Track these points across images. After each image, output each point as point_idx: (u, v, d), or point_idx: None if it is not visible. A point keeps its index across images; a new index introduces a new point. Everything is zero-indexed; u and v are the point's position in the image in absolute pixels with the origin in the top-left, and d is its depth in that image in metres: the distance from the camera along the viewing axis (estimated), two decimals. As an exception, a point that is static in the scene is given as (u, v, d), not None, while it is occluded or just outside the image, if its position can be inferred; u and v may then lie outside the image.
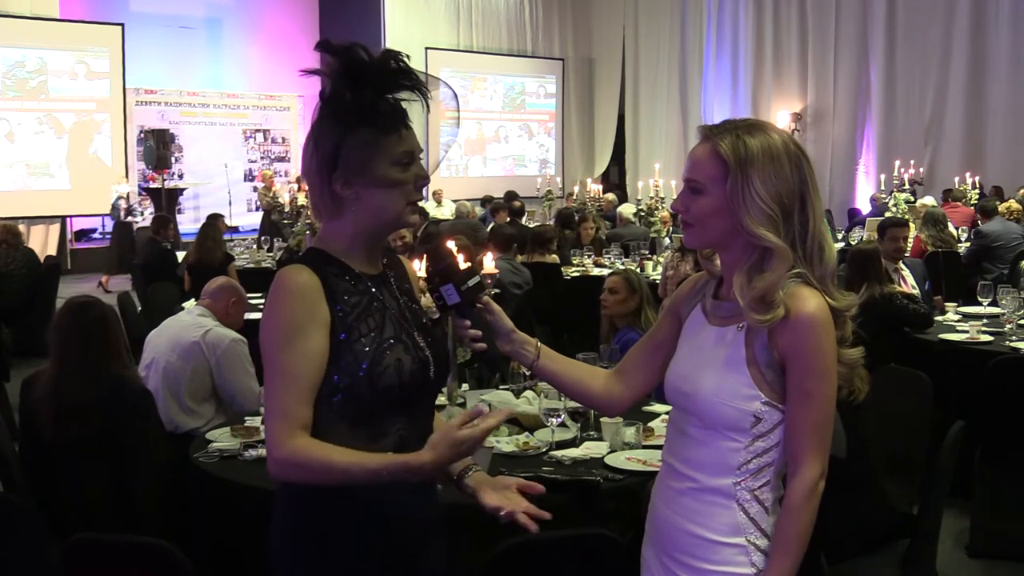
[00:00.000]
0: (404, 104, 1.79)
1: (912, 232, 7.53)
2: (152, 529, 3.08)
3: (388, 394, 1.75)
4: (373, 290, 1.82)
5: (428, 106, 1.80)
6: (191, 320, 4.15)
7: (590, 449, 2.99)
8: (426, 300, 1.94)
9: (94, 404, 3.20)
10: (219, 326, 4.12)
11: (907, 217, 8.85)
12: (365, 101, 1.73)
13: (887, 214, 10.33)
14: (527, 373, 3.45)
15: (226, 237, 8.84)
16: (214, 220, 8.67)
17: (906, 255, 6.22)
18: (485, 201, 13.43)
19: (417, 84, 1.77)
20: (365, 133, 1.74)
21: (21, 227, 10.20)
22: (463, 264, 1.85)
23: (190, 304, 4.79)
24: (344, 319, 1.75)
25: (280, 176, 15.84)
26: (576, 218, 9.57)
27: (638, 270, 7.88)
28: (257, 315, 5.56)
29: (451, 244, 3.66)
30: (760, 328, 1.68)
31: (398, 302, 1.86)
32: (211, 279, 4.44)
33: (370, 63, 1.73)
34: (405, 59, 1.76)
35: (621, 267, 7.04)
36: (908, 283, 5.76)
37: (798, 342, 1.66)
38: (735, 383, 1.70)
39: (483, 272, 3.48)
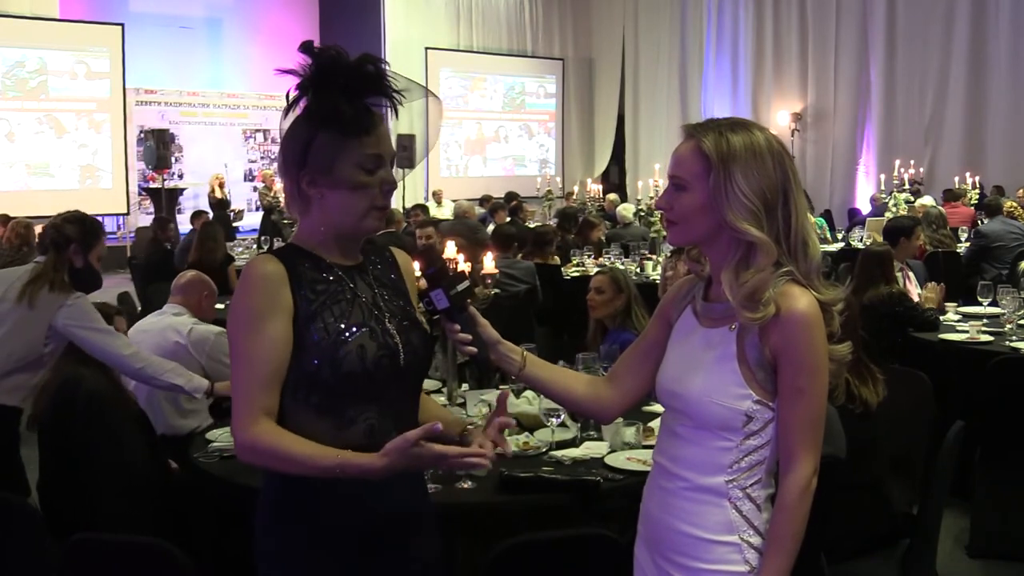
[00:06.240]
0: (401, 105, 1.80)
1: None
2: (118, 525, 3.11)
3: (352, 380, 1.75)
4: (344, 279, 1.83)
5: (396, 113, 1.81)
6: (169, 322, 4.12)
7: (590, 449, 2.99)
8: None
9: (47, 393, 3.45)
10: (199, 323, 4.13)
11: (907, 214, 8.86)
12: (330, 104, 1.74)
13: (887, 214, 10.34)
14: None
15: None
16: (212, 220, 8.66)
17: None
18: (483, 200, 13.41)
19: (387, 91, 1.78)
20: (331, 135, 1.76)
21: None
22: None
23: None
24: (309, 306, 1.76)
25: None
26: (579, 219, 9.56)
27: (638, 270, 7.89)
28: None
29: (451, 244, 3.67)
30: (751, 326, 1.69)
31: (372, 291, 1.86)
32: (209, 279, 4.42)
33: (342, 66, 1.75)
34: (382, 65, 1.77)
35: (607, 266, 7.01)
36: (913, 282, 5.77)
37: (790, 339, 1.67)
38: (726, 382, 1.71)
39: (483, 272, 3.49)
